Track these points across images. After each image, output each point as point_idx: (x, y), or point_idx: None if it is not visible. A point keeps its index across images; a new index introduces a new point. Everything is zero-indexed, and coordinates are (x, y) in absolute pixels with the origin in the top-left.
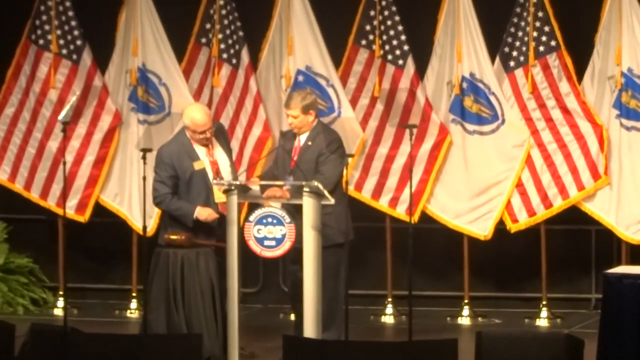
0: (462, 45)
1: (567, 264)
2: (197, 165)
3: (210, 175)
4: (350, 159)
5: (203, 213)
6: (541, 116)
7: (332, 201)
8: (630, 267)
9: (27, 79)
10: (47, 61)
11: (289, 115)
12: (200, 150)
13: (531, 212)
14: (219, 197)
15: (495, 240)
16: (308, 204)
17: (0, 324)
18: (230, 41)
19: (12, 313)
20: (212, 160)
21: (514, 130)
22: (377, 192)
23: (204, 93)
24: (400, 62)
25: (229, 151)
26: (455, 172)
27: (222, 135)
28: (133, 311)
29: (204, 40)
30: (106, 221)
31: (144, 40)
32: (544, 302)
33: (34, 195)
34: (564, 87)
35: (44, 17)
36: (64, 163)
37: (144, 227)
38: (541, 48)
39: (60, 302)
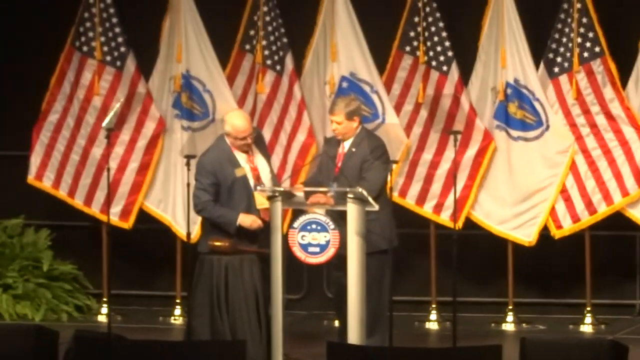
0: (506, 51)
1: (612, 270)
2: (238, 172)
3: (252, 181)
4: (394, 165)
5: (247, 220)
6: (585, 122)
7: (376, 207)
8: None
9: (71, 86)
10: (91, 68)
11: (333, 121)
12: (240, 157)
13: (575, 218)
14: (260, 203)
15: (540, 246)
16: (352, 210)
17: (44, 330)
18: (274, 47)
19: (56, 320)
20: (252, 166)
21: (558, 136)
22: (422, 198)
23: (247, 99)
24: (445, 68)
25: (267, 157)
26: (500, 178)
27: (260, 141)
28: (177, 318)
29: (248, 46)
30: (150, 228)
31: (188, 46)
32: (589, 308)
33: (77, 202)
34: (608, 93)
35: (88, 24)
36: (108, 170)
37: (188, 234)
38: (585, 54)
39: (104, 309)
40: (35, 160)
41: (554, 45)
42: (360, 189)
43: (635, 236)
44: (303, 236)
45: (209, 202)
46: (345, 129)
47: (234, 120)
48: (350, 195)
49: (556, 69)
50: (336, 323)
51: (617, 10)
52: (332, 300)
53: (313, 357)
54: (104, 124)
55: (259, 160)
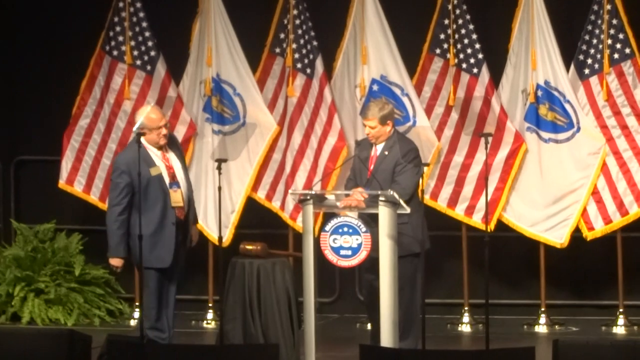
0: (537, 53)
1: None
2: (153, 171)
3: (167, 179)
4: (425, 168)
5: (114, 263)
6: (616, 124)
7: (408, 210)
8: None
9: (102, 90)
10: (121, 72)
11: (367, 125)
12: (155, 156)
13: (607, 220)
14: (175, 201)
15: (572, 248)
16: (384, 213)
17: (77, 335)
18: (304, 51)
19: (88, 324)
20: (167, 165)
21: (590, 137)
22: (453, 201)
23: (278, 103)
24: (475, 70)
25: (181, 157)
26: (531, 181)
27: (174, 143)
28: (209, 322)
29: (278, 50)
30: None
31: (218, 50)
32: (621, 310)
33: None
34: (639, 94)
35: (118, 29)
36: (139, 174)
37: (220, 238)
38: (616, 55)
39: (137, 313)
40: (66, 165)
41: (584, 47)
42: (391, 192)
43: None
44: (335, 239)
45: (122, 213)
46: (379, 133)
47: (147, 113)
48: (381, 198)
49: (586, 71)
50: (369, 326)
51: None
52: (364, 303)
53: None
54: (135, 128)
55: (174, 159)
